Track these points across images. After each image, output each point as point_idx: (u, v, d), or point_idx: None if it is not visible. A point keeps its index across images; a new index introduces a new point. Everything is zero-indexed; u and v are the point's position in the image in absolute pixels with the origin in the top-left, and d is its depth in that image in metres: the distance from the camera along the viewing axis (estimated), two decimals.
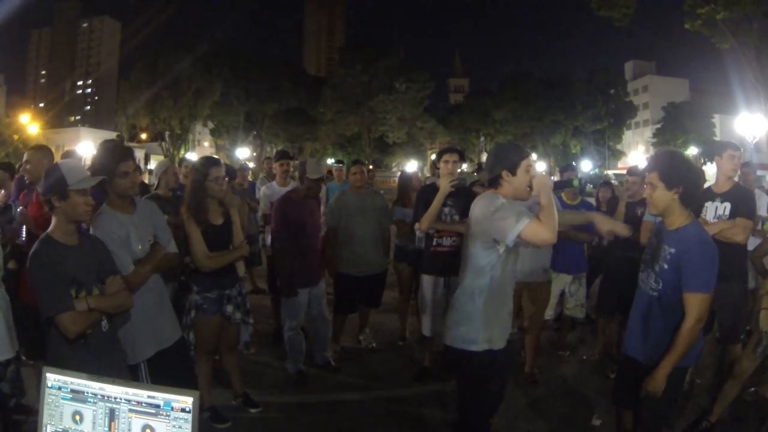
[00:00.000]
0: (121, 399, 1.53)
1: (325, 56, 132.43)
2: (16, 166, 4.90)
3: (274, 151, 32.65)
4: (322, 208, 5.12)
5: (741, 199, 3.56)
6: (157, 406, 1.50)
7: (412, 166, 38.67)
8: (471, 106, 52.69)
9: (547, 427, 3.57)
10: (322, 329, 4.37)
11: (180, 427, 1.49)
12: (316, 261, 4.26)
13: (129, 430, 1.52)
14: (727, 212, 3.55)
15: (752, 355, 3.31)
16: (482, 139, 51.77)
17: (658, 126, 47.56)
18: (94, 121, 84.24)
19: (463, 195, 3.95)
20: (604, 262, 4.77)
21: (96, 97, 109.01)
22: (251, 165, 33.10)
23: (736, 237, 3.43)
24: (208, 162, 3.33)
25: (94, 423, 1.54)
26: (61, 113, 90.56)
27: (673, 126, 44.67)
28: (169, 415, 1.50)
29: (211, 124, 48.93)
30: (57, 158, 3.94)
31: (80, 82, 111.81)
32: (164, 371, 2.69)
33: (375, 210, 4.74)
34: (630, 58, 69.43)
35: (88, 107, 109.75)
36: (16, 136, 38.30)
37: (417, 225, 3.92)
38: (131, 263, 2.59)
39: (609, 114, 47.97)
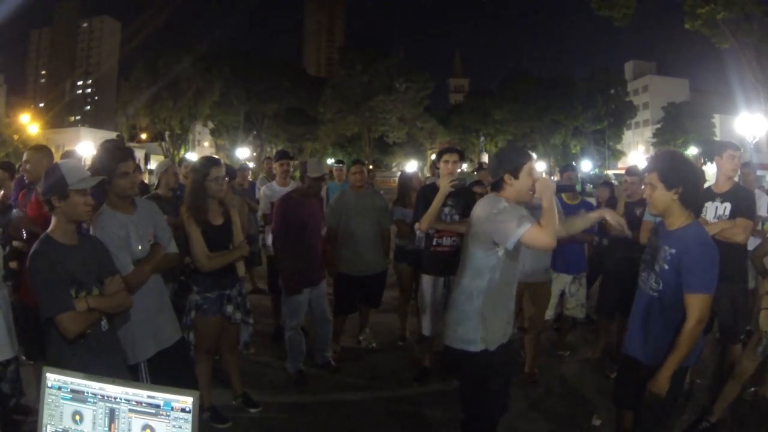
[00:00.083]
0: (121, 399, 1.53)
1: (325, 56, 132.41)
2: (16, 166, 4.90)
3: (274, 151, 32.65)
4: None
5: (741, 199, 3.56)
6: (157, 406, 1.50)
7: (412, 166, 38.66)
8: (471, 106, 52.70)
9: (547, 427, 3.57)
10: (323, 329, 4.37)
11: (180, 427, 1.49)
12: (318, 261, 4.26)
13: (129, 430, 1.52)
14: (727, 212, 3.55)
15: (753, 355, 3.31)
16: (482, 139, 51.77)
17: (658, 126, 47.58)
18: (94, 121, 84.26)
19: (463, 195, 3.95)
20: (604, 263, 4.77)
21: (96, 97, 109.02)
22: (251, 165, 33.09)
23: (736, 237, 3.43)
24: (208, 162, 3.33)
25: (94, 423, 1.54)
26: (61, 113, 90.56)
27: (673, 126, 44.68)
28: (169, 415, 1.50)
29: (211, 124, 48.93)
30: (57, 158, 3.95)
31: (80, 82, 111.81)
32: (164, 371, 2.69)
33: (375, 210, 4.74)
34: (630, 58, 69.57)
35: (88, 107, 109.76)
36: (16, 136, 38.31)
37: (417, 225, 3.92)
38: (131, 263, 2.59)
39: (609, 114, 47.97)
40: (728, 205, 3.56)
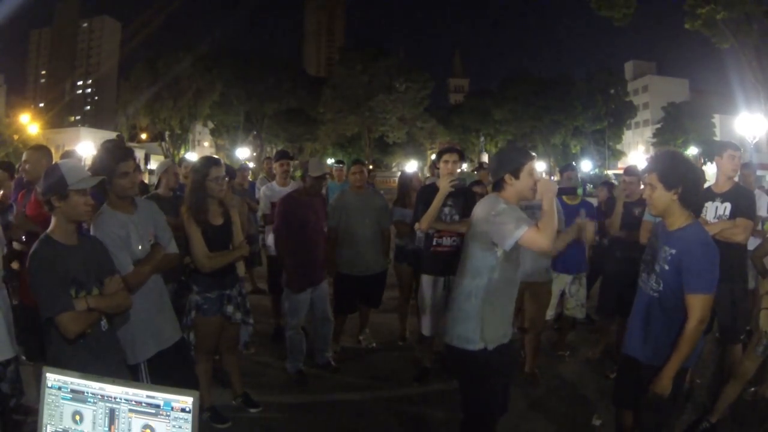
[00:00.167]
0: (121, 399, 1.53)
1: (325, 56, 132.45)
2: (16, 166, 4.90)
3: (274, 151, 32.67)
4: None
5: (741, 199, 3.56)
6: (157, 406, 1.50)
7: (412, 166, 38.63)
8: (471, 106, 52.70)
9: (547, 427, 3.57)
10: (323, 329, 4.37)
11: (180, 427, 1.49)
12: (320, 260, 4.26)
13: (129, 430, 1.52)
14: (728, 212, 3.55)
15: (753, 355, 3.31)
16: (482, 139, 51.79)
17: (658, 126, 47.57)
18: (94, 121, 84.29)
19: (463, 195, 3.95)
20: (604, 263, 4.77)
21: (96, 97, 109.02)
22: (251, 165, 33.09)
23: (736, 237, 3.43)
24: (208, 162, 3.33)
25: (94, 423, 1.54)
26: (61, 113, 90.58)
27: (673, 126, 44.68)
28: (169, 415, 1.50)
29: (211, 124, 48.93)
30: (57, 158, 3.95)
31: (80, 82, 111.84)
32: (164, 371, 2.69)
33: (375, 210, 4.74)
34: (630, 58, 69.58)
35: (88, 107, 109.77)
36: (16, 136, 38.32)
37: (417, 225, 3.92)
38: (131, 263, 2.59)
39: (609, 114, 47.98)
40: (728, 205, 3.56)
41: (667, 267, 2.37)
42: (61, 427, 1.56)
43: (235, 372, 3.65)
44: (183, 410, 1.49)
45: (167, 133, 42.41)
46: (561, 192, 2.46)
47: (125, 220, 2.65)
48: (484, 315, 2.46)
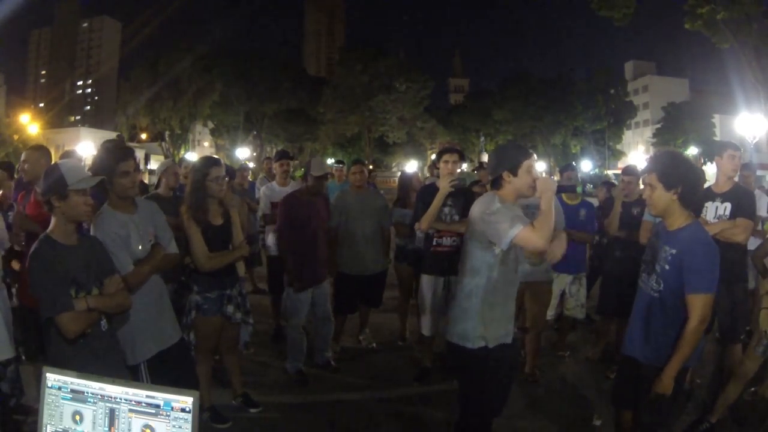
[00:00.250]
0: (121, 399, 1.53)
1: (325, 56, 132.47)
2: (16, 166, 4.90)
3: (274, 151, 32.64)
4: None
5: (741, 199, 3.56)
6: (157, 406, 1.50)
7: (412, 166, 38.65)
8: (471, 106, 52.71)
9: (547, 427, 3.57)
10: (324, 329, 4.37)
11: (180, 427, 1.49)
12: (321, 260, 4.25)
13: (129, 430, 1.52)
14: (728, 212, 3.55)
15: (754, 355, 3.31)
16: (482, 139, 51.76)
17: (658, 126, 47.56)
18: (94, 121, 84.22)
19: (463, 195, 3.95)
20: (603, 262, 4.77)
21: (96, 97, 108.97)
22: (251, 165, 33.09)
23: (736, 237, 3.43)
24: (208, 162, 3.33)
25: (94, 423, 1.54)
26: (61, 113, 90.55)
27: (673, 126, 44.67)
28: (169, 415, 1.50)
29: (211, 124, 48.93)
30: (57, 158, 3.94)
31: (80, 82, 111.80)
32: (164, 372, 2.69)
33: (375, 210, 4.74)
34: (630, 58, 69.59)
35: (88, 107, 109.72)
36: (16, 136, 38.31)
37: (417, 225, 3.92)
38: (131, 263, 2.59)
39: (609, 114, 47.97)
40: (728, 205, 3.56)
41: (667, 267, 2.37)
42: (61, 427, 1.56)
43: (235, 372, 3.65)
44: (183, 410, 1.49)
45: (167, 133, 42.39)
46: (560, 190, 2.44)
47: (126, 220, 2.65)
48: (484, 313, 2.46)
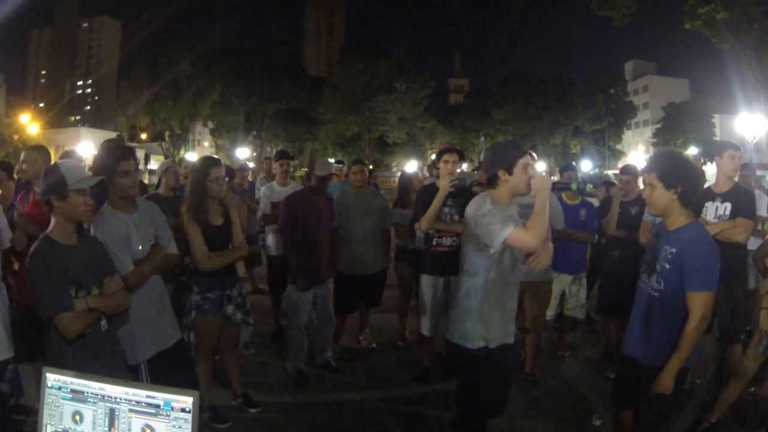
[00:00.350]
0: (121, 399, 1.53)
1: (325, 56, 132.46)
2: (16, 166, 4.90)
3: (274, 151, 32.65)
4: None
5: (741, 199, 3.56)
6: (157, 406, 1.50)
7: (412, 166, 38.66)
8: (471, 106, 52.72)
9: (547, 427, 3.57)
10: (325, 329, 4.38)
11: (180, 427, 1.49)
12: (324, 260, 4.25)
13: (129, 430, 1.52)
14: (728, 212, 3.55)
15: (753, 355, 3.31)
16: (482, 139, 51.79)
17: (658, 126, 47.56)
18: (94, 121, 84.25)
19: (463, 195, 3.94)
20: (602, 262, 4.77)
21: (96, 97, 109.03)
22: (251, 165, 33.09)
23: (736, 237, 3.43)
24: (208, 162, 3.33)
25: (94, 423, 1.54)
26: (61, 113, 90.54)
27: (673, 126, 44.68)
28: (169, 415, 1.49)
29: (211, 124, 48.91)
30: (57, 158, 3.94)
31: (80, 82, 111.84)
32: (164, 372, 2.69)
33: (375, 210, 4.74)
34: (630, 58, 69.55)
35: (88, 107, 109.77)
36: (16, 136, 38.34)
37: (417, 225, 3.92)
38: (131, 263, 2.59)
39: (609, 114, 47.99)
40: (728, 205, 3.56)
41: (667, 266, 2.37)
42: (61, 427, 1.56)
43: (235, 372, 3.65)
44: (183, 410, 1.49)
45: (167, 133, 42.39)
46: (555, 188, 2.41)
47: (126, 220, 2.65)
48: (484, 313, 2.46)
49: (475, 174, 6.34)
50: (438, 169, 4.24)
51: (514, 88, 46.61)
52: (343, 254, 4.61)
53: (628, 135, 55.43)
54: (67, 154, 4.54)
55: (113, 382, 1.55)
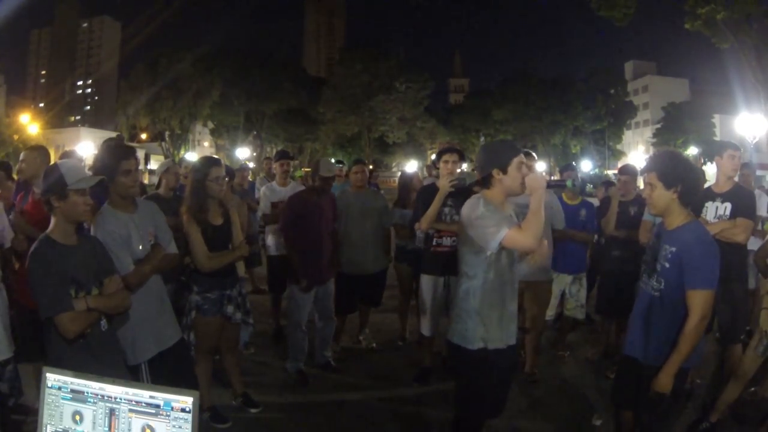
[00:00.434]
0: (121, 399, 1.52)
1: (325, 56, 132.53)
2: (15, 166, 4.90)
3: (274, 151, 32.66)
4: None
5: (741, 199, 3.56)
6: (157, 406, 1.50)
7: (412, 166, 38.65)
8: (471, 106, 52.68)
9: (547, 427, 3.57)
10: (326, 329, 4.38)
11: (180, 427, 1.49)
12: (325, 260, 4.25)
13: (129, 430, 1.52)
14: (728, 212, 3.55)
15: (754, 355, 3.31)
16: (482, 139, 51.71)
17: (658, 126, 47.58)
18: (94, 121, 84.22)
19: (463, 195, 3.93)
20: (601, 262, 4.78)
21: (96, 97, 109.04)
22: (251, 165, 33.09)
23: (736, 237, 3.43)
24: (208, 162, 3.33)
25: (94, 423, 1.54)
26: (61, 113, 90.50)
27: (673, 126, 44.69)
28: (169, 415, 1.49)
29: (211, 124, 48.90)
30: (56, 158, 3.94)
31: (80, 82, 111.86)
32: (165, 372, 2.69)
33: (375, 210, 4.74)
34: (630, 58, 69.56)
35: (88, 107, 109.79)
36: (16, 136, 38.34)
37: (417, 225, 3.92)
38: (132, 263, 2.59)
39: (609, 114, 47.97)
40: (728, 205, 3.56)
41: (667, 265, 2.38)
42: (61, 427, 1.56)
43: (235, 372, 3.65)
44: (183, 410, 1.49)
45: (167, 133, 42.39)
46: (550, 186, 2.38)
47: (126, 220, 2.66)
48: (483, 314, 2.45)
49: (475, 174, 6.34)
50: (438, 169, 4.23)
51: (514, 88, 46.58)
52: (344, 254, 4.61)
53: (628, 135, 55.43)
54: (67, 154, 4.54)
55: (113, 382, 1.55)
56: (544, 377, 4.28)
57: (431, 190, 3.91)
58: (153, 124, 41.88)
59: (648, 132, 54.16)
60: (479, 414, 2.58)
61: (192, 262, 3.22)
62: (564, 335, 5.03)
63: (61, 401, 1.56)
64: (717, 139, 36.60)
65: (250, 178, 7.33)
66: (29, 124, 39.66)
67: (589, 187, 13.60)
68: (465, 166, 4.20)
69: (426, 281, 4.12)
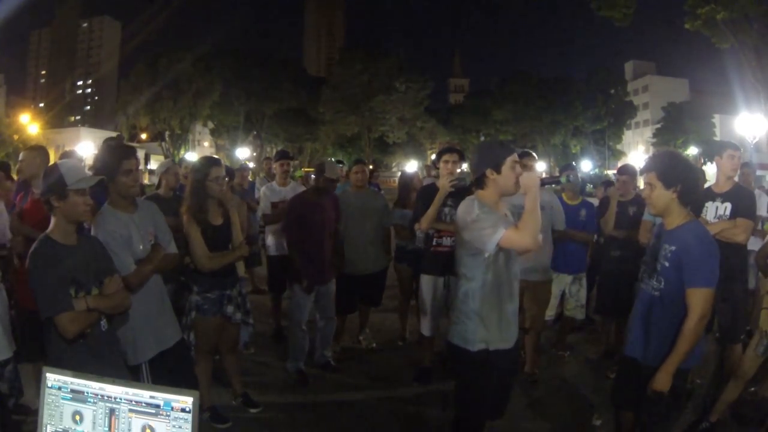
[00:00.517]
0: (121, 399, 1.52)
1: (325, 56, 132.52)
2: (14, 166, 4.90)
3: (274, 151, 32.66)
4: None
5: (741, 199, 3.56)
6: (157, 406, 1.50)
7: (412, 166, 38.65)
8: (471, 106, 52.70)
9: (547, 427, 3.57)
10: (327, 329, 4.38)
11: (180, 427, 1.49)
12: (326, 260, 4.25)
13: (129, 430, 1.52)
14: (728, 212, 3.55)
15: (754, 355, 3.31)
16: (482, 139, 51.73)
17: (658, 126, 47.58)
18: (94, 121, 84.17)
19: (463, 195, 3.93)
20: (601, 262, 4.78)
21: (96, 97, 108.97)
22: (251, 165, 33.08)
23: (737, 237, 3.43)
24: (208, 162, 3.33)
25: (94, 423, 1.54)
26: (61, 113, 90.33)
27: (673, 126, 44.70)
28: (169, 415, 1.49)
29: (211, 124, 48.90)
30: (57, 158, 3.94)
31: (80, 82, 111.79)
32: (165, 372, 2.69)
33: (375, 210, 4.75)
34: (630, 58, 69.52)
35: (88, 107, 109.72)
36: (16, 136, 38.33)
37: (417, 225, 3.92)
38: (132, 263, 2.59)
39: (609, 114, 47.97)
40: (729, 205, 3.56)
41: (667, 264, 2.38)
42: (61, 427, 1.56)
43: (235, 372, 3.65)
44: (183, 410, 1.49)
45: (167, 133, 42.39)
46: (543, 183, 2.38)
47: (126, 220, 2.66)
48: (483, 315, 2.45)
49: None
50: (437, 169, 4.23)
51: (514, 88, 46.59)
52: (343, 254, 4.61)
53: (628, 135, 55.42)
54: (67, 154, 4.54)
55: (113, 382, 1.55)
56: (544, 377, 4.28)
57: (431, 190, 3.91)
58: (153, 124, 41.88)
59: (648, 132, 54.15)
60: (479, 415, 2.58)
61: (192, 262, 3.21)
62: (564, 335, 5.03)
63: (61, 401, 1.56)
64: (717, 139, 36.60)
65: (250, 178, 7.33)
66: (29, 124, 39.65)
67: (589, 187, 13.60)
68: (465, 166, 4.20)
69: (426, 281, 4.12)
